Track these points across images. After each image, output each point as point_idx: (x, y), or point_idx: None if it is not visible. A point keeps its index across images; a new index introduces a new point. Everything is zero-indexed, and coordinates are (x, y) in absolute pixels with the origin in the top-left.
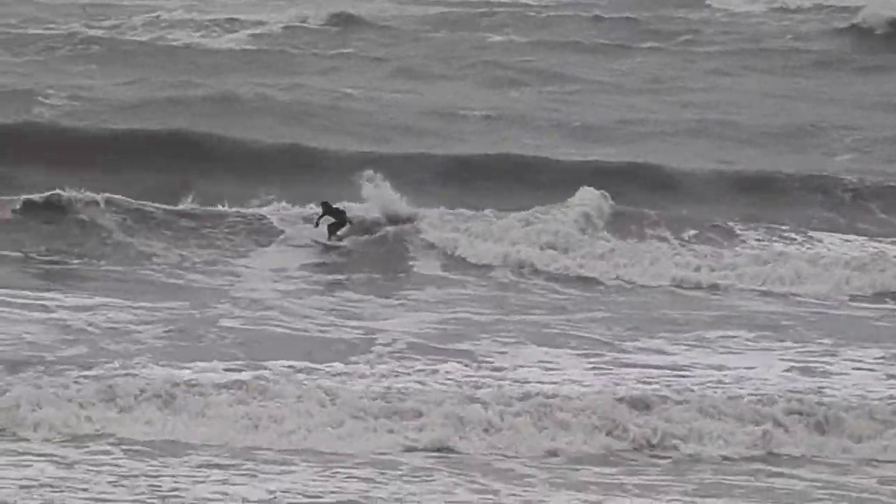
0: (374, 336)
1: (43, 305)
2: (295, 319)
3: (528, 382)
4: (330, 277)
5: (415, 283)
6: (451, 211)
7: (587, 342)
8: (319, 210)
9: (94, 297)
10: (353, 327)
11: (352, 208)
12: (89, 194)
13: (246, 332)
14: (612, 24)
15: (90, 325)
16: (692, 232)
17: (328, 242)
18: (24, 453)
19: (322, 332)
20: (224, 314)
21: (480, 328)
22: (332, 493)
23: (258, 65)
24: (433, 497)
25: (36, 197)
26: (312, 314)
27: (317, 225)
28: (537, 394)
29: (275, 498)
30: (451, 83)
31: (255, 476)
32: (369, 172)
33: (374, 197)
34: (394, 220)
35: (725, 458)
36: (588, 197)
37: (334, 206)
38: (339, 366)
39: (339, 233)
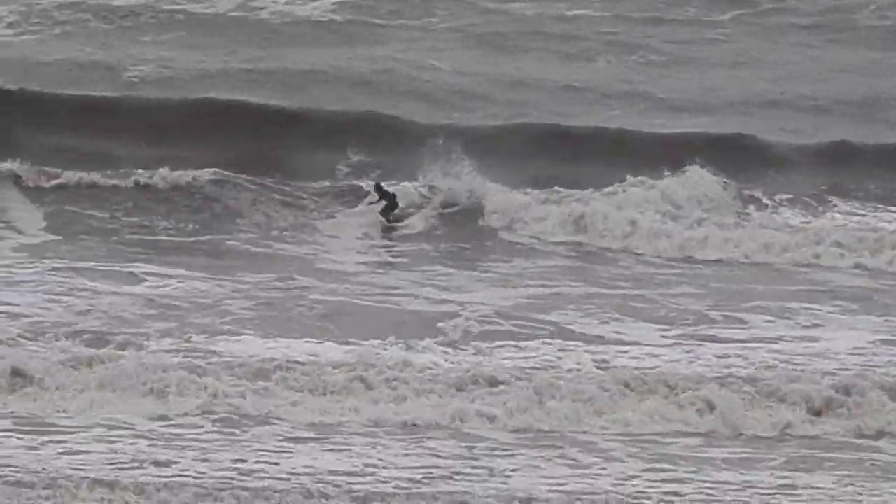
0: (461, 309)
1: (132, 274)
2: (381, 292)
3: (615, 356)
4: (414, 248)
5: (499, 255)
6: (548, 189)
7: (675, 316)
8: (374, 191)
9: (184, 269)
10: (440, 300)
11: (435, 185)
12: (176, 172)
13: (333, 305)
14: None
15: (178, 297)
16: (784, 205)
17: (389, 224)
18: (113, 428)
19: (409, 304)
20: (311, 286)
21: (567, 301)
22: (423, 467)
23: (342, 34)
24: (522, 471)
25: (126, 173)
26: (400, 285)
27: (384, 216)
28: (624, 368)
29: (363, 470)
30: (532, 54)
31: (343, 450)
32: (451, 147)
33: (456, 173)
34: (475, 194)
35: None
36: (697, 176)
37: (384, 185)
38: (426, 340)
39: (391, 214)
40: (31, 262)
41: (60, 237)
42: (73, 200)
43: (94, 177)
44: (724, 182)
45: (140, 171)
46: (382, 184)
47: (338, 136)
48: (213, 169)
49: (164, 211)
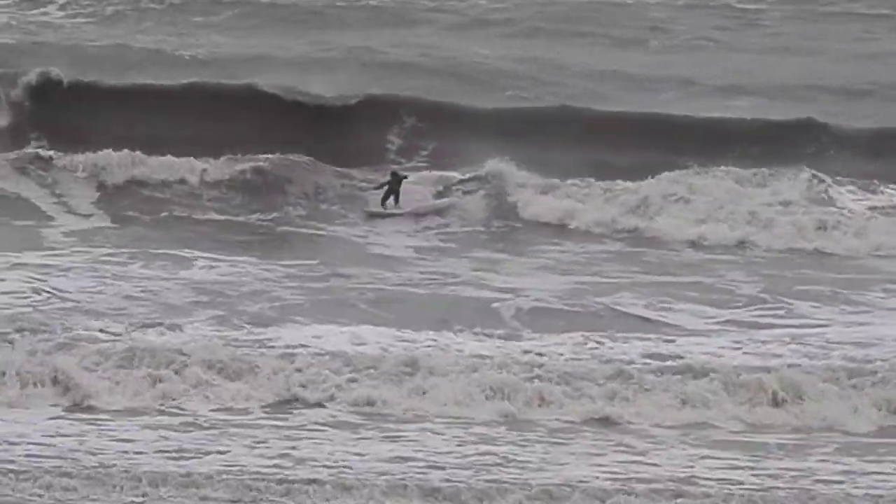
0: (513, 297)
1: (182, 258)
2: (430, 278)
3: (668, 343)
4: (464, 231)
5: (548, 240)
6: (602, 178)
7: (727, 300)
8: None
9: (234, 254)
10: (490, 287)
11: (482, 168)
12: (226, 157)
13: (383, 291)
14: None
15: (228, 283)
16: (844, 184)
17: (384, 209)
18: (161, 414)
19: (459, 290)
20: (361, 273)
21: (619, 288)
22: (478, 454)
23: (389, 15)
24: (575, 458)
25: (177, 156)
26: (449, 271)
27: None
28: (678, 355)
29: (414, 457)
30: (580, 39)
31: (394, 438)
32: (499, 131)
33: (503, 158)
34: (521, 180)
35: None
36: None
37: (400, 173)
38: (476, 327)
39: (387, 202)
40: (82, 247)
41: (111, 221)
42: (124, 184)
43: (145, 160)
44: (777, 168)
45: (191, 156)
46: (399, 172)
47: (384, 121)
48: (263, 153)
49: (215, 195)
